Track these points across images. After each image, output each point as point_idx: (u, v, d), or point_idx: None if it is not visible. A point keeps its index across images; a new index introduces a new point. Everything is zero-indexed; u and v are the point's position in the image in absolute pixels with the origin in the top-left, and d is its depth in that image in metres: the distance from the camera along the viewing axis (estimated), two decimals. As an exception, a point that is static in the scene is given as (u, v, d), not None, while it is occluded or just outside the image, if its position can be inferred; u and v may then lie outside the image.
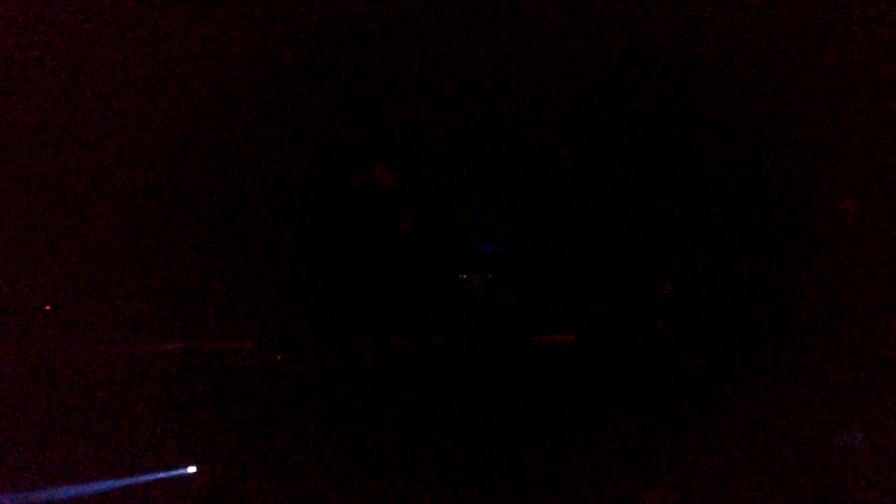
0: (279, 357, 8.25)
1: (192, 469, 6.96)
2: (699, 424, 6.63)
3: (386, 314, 8.18)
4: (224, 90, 8.44)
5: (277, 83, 8.56)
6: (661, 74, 8.54)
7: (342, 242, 8.30)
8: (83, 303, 8.44)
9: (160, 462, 6.96)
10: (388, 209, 8.09)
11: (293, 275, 8.55)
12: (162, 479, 6.89)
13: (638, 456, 6.64)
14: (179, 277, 8.54)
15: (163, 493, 6.67)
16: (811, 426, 6.69)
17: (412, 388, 7.65)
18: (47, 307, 8.44)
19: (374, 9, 8.52)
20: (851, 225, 8.26)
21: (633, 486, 6.26)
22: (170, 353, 8.32)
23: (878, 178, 8.18)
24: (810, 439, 6.49)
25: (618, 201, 8.80)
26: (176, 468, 6.99)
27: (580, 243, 8.91)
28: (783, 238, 8.41)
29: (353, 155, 8.28)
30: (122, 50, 8.33)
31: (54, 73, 8.37)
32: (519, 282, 8.84)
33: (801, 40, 8.26)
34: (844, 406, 6.76)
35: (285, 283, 8.61)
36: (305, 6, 8.42)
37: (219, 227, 8.64)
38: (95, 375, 7.78)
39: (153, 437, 7.08)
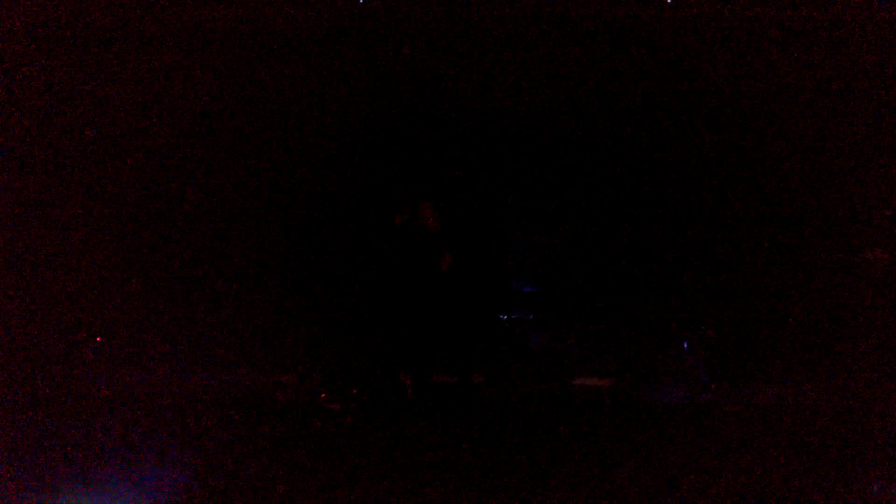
0: (322, 395, 8.33)
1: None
2: (733, 470, 6.60)
3: (427, 352, 8.25)
4: (281, 130, 8.62)
5: (327, 122, 8.72)
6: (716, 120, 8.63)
7: (387, 281, 8.40)
8: (128, 336, 8.59)
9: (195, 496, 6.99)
10: (431, 248, 8.18)
11: (337, 311, 8.65)
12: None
13: (673, 498, 6.61)
14: (223, 311, 8.69)
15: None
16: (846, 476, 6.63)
17: (452, 426, 7.69)
18: (98, 338, 8.62)
19: (422, 47, 8.67)
20: (878, 273, 8.29)
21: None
22: (212, 386, 8.44)
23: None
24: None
25: (661, 247, 8.84)
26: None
27: (622, 286, 8.94)
28: (814, 281, 8.43)
29: (398, 194, 8.41)
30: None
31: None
32: (559, 323, 8.87)
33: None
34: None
35: (329, 319, 8.71)
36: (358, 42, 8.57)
37: (266, 261, 8.78)
38: (138, 408, 7.89)
39: (192, 470, 7.13)
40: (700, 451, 7.16)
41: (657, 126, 8.77)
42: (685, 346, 8.61)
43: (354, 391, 8.30)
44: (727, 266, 8.80)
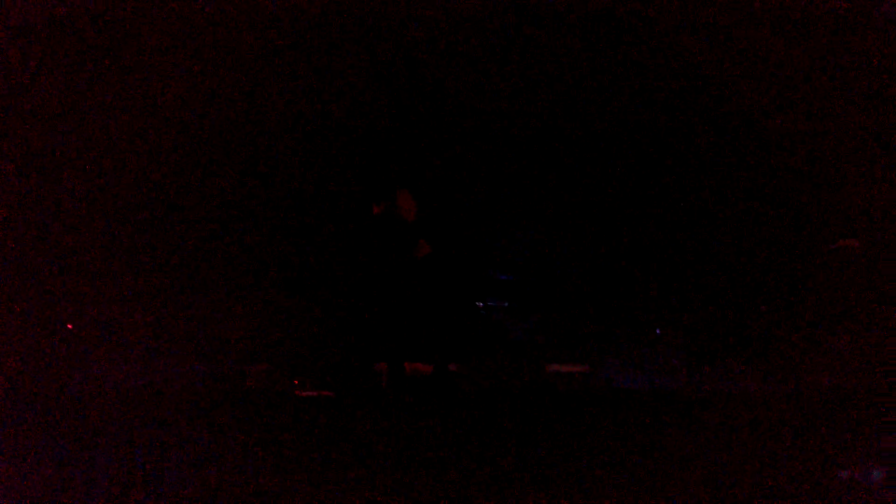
0: (296, 381, 8.29)
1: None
2: (710, 456, 6.64)
3: (401, 340, 8.22)
4: (247, 113, 8.53)
5: (298, 108, 8.65)
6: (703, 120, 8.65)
7: (360, 268, 8.36)
8: (98, 323, 8.49)
9: (170, 484, 6.96)
10: (407, 236, 8.15)
11: (310, 299, 8.60)
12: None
13: (648, 487, 6.65)
14: (194, 299, 8.60)
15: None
16: (821, 460, 6.69)
17: (427, 415, 7.68)
18: (69, 325, 8.50)
19: (400, 34, 8.61)
20: (850, 262, 8.36)
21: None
22: (184, 375, 8.37)
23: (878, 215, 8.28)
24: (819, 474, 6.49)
25: (636, 234, 8.85)
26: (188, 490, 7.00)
27: (599, 274, 8.95)
28: (785, 271, 8.49)
29: (374, 182, 8.36)
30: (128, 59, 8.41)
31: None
32: (536, 311, 8.87)
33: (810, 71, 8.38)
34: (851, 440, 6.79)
35: (302, 307, 8.65)
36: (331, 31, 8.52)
37: (239, 250, 8.70)
38: (108, 397, 7.82)
39: (164, 460, 7.09)
40: (674, 437, 7.21)
41: (632, 113, 8.77)
42: (657, 332, 8.66)
43: (328, 379, 8.26)
44: (701, 254, 8.83)
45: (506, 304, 8.85)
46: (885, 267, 8.34)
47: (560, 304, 8.82)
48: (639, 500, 6.61)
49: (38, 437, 7.15)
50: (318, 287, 8.61)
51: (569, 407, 7.97)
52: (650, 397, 8.20)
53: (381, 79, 8.71)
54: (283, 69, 8.65)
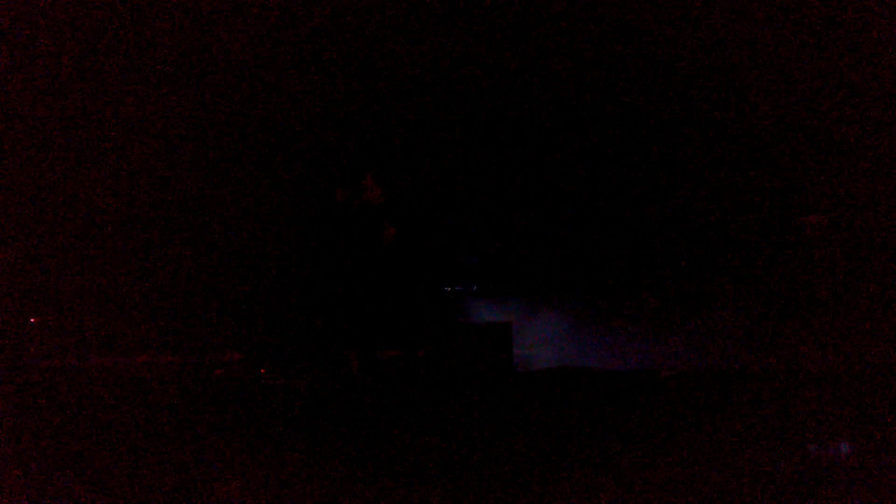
0: (262, 370, 8.29)
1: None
2: (690, 437, 6.70)
3: (371, 326, 8.23)
4: (219, 105, 8.50)
5: (268, 98, 8.62)
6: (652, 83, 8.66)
7: (329, 255, 8.35)
8: (76, 315, 8.48)
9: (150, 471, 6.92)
10: (374, 222, 8.14)
11: (280, 287, 8.60)
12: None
13: (627, 466, 6.68)
14: (169, 290, 8.59)
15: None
16: (794, 437, 6.77)
17: (397, 399, 7.70)
18: (32, 319, 8.47)
19: (364, 16, 8.57)
20: (817, 238, 8.46)
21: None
22: (159, 364, 8.36)
23: (844, 191, 8.38)
24: (795, 450, 6.57)
25: (605, 216, 8.91)
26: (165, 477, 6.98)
27: (566, 256, 9.01)
28: (761, 247, 8.58)
29: (339, 169, 8.35)
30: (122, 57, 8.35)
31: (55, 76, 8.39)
32: (502, 294, 8.93)
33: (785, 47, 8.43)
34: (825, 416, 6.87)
35: (272, 295, 8.65)
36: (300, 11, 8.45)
37: (207, 239, 8.69)
38: (87, 386, 7.80)
39: (144, 448, 7.06)
40: (642, 416, 7.26)
41: (603, 96, 8.79)
42: (648, 299, 8.71)
43: (299, 367, 8.27)
44: (670, 233, 8.90)
45: (474, 288, 8.89)
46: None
47: (528, 287, 8.88)
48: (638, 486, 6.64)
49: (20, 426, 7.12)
50: (288, 275, 8.61)
51: (537, 389, 8.02)
52: (618, 377, 8.28)
53: (349, 65, 8.69)
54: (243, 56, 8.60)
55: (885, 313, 8.18)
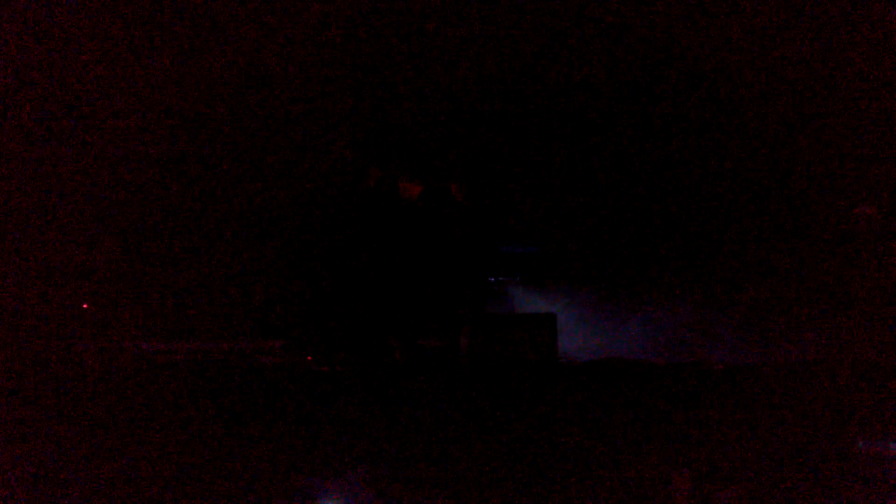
0: (309, 358, 8.35)
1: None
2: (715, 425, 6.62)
3: (415, 316, 8.26)
4: (260, 97, 8.55)
5: (307, 86, 8.64)
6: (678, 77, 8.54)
7: (374, 246, 8.40)
8: (118, 302, 8.63)
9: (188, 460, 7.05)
10: (414, 213, 8.16)
11: (325, 277, 8.65)
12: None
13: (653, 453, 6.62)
14: (215, 279, 8.69)
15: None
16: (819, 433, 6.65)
17: (439, 388, 7.71)
18: (84, 305, 8.64)
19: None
20: (867, 230, 8.27)
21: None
22: (206, 351, 8.47)
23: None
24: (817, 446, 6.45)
25: (651, 208, 8.80)
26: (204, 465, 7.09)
27: (612, 248, 8.92)
28: (799, 242, 8.42)
29: (375, 159, 8.35)
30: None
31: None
32: (547, 285, 8.85)
33: (822, 44, 8.26)
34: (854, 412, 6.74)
35: (317, 285, 8.71)
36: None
37: (253, 229, 8.77)
38: (127, 372, 7.93)
39: (182, 434, 7.19)
40: (693, 408, 7.15)
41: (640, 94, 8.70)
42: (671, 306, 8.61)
43: (342, 355, 8.32)
44: (715, 225, 8.77)
45: (517, 279, 8.84)
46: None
47: (573, 278, 8.80)
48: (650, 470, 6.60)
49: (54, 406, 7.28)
50: (333, 266, 8.66)
51: (581, 381, 7.95)
52: (668, 370, 8.18)
53: (392, 48, 8.65)
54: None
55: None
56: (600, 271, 8.89)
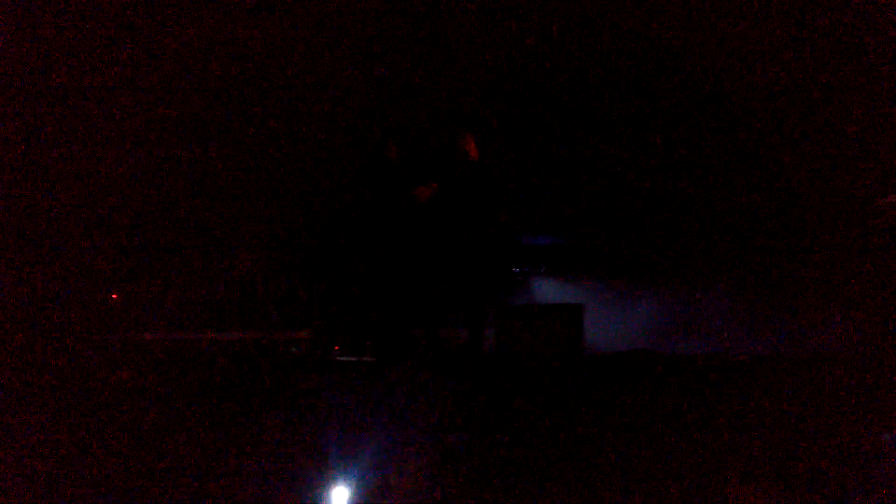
0: (336, 348, 8.39)
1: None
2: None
3: (439, 306, 8.26)
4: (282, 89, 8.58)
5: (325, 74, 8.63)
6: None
7: (399, 237, 8.40)
8: (144, 291, 8.71)
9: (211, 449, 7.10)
10: (440, 203, 8.14)
11: (350, 268, 8.68)
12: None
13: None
14: (238, 268, 8.75)
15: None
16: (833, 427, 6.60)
17: (463, 379, 7.71)
18: (113, 295, 8.74)
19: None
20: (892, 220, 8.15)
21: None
22: (233, 342, 8.53)
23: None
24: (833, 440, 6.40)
25: (679, 197, 8.76)
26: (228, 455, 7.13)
27: (638, 238, 8.88)
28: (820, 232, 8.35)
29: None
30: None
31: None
32: (573, 275, 8.84)
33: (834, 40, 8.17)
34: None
35: (343, 275, 8.74)
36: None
37: (278, 219, 8.82)
38: (151, 360, 8.02)
39: (207, 425, 7.25)
40: (720, 402, 7.10)
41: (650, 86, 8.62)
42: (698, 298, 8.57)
43: (368, 345, 8.35)
44: (746, 216, 8.71)
45: (542, 269, 8.82)
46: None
47: (598, 269, 8.77)
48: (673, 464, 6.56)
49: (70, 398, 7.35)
50: (358, 256, 8.68)
51: (606, 374, 7.92)
52: (703, 364, 8.13)
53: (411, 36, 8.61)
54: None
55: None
56: (626, 262, 8.86)
